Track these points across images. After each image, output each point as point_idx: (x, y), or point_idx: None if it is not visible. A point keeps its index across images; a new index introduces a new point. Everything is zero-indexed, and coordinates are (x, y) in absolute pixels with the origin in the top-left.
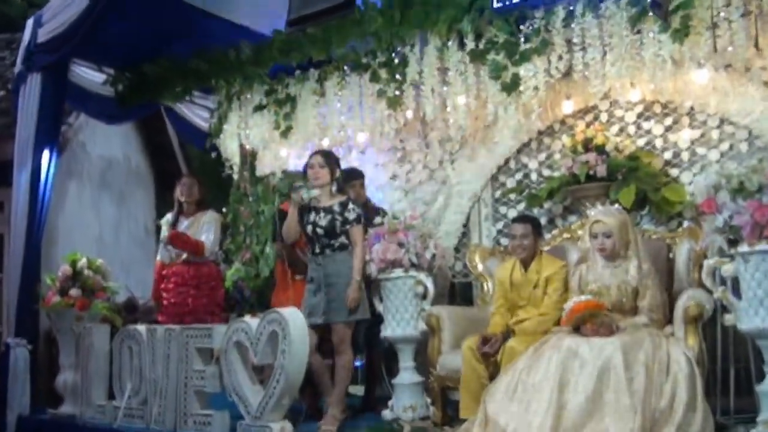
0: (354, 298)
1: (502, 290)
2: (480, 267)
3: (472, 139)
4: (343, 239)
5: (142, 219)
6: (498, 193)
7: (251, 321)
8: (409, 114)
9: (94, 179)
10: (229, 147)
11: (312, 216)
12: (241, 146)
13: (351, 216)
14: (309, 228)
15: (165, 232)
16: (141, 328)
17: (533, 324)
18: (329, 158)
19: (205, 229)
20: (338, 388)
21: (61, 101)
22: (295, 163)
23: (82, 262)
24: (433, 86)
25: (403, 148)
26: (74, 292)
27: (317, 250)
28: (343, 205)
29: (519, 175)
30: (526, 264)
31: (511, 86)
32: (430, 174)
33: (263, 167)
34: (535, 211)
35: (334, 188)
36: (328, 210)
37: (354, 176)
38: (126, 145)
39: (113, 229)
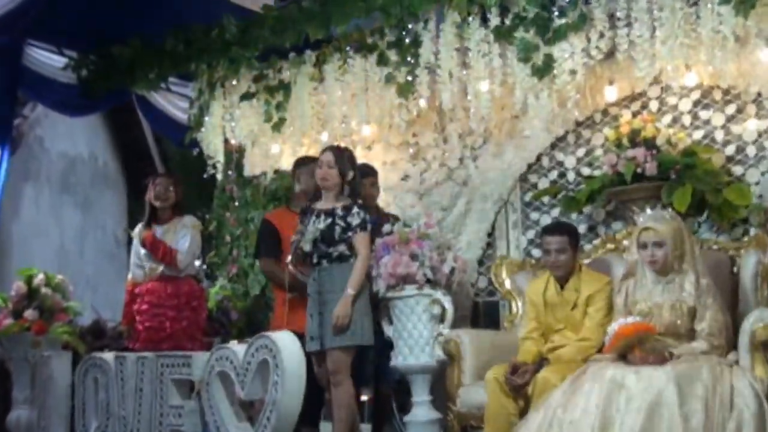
0: (340, 315)
1: (534, 311)
2: (508, 283)
3: (497, 132)
4: (343, 248)
5: (111, 227)
6: (528, 196)
7: (238, 348)
8: (423, 103)
9: (54, 181)
10: (213, 143)
11: (311, 220)
12: (227, 142)
13: (354, 221)
14: (300, 237)
15: (137, 244)
16: (109, 356)
17: (571, 351)
18: (341, 157)
19: (180, 236)
20: (337, 429)
21: (14, 90)
22: (290, 162)
23: (39, 278)
24: (451, 70)
25: (416, 143)
26: (30, 313)
27: (314, 261)
28: (347, 209)
29: (553, 175)
30: (562, 280)
31: (544, 69)
32: (448, 174)
33: (252, 166)
34: (573, 217)
35: (346, 192)
36: (329, 213)
37: (363, 173)
38: (92, 141)
39: (77, 240)
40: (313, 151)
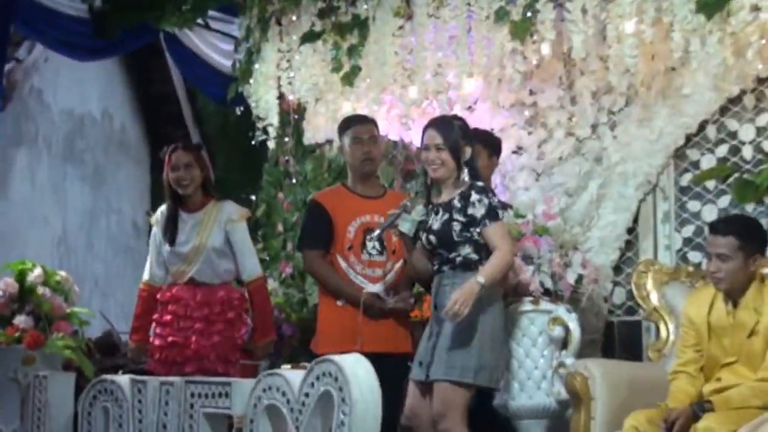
0: (459, 300)
1: (693, 337)
2: (654, 298)
3: (645, 90)
4: (467, 251)
5: (130, 211)
6: (686, 179)
7: (292, 375)
8: (546, 49)
9: (55, 147)
10: (264, 99)
11: (429, 219)
12: (282, 98)
13: (479, 211)
14: (423, 236)
15: (157, 233)
16: (123, 380)
17: (745, 393)
18: (451, 131)
19: (238, 244)
20: None
21: (5, 25)
22: None
23: (35, 274)
24: (585, 4)
25: (535, 103)
26: (21, 320)
27: (434, 268)
28: (465, 197)
29: (722, 150)
30: (734, 297)
31: (714, 4)
32: (576, 146)
33: (315, 132)
34: (750, 209)
35: (465, 176)
36: (446, 207)
37: (476, 139)
38: (106, 95)
39: (84, 226)
40: (396, 112)
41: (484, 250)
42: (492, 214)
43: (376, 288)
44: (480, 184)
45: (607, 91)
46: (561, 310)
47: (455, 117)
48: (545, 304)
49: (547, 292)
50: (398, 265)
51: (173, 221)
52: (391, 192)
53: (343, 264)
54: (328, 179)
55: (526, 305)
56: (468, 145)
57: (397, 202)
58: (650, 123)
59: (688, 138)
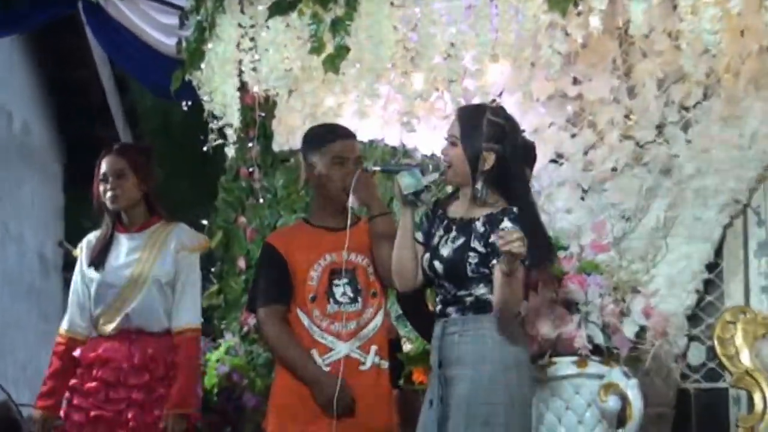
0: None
1: None
2: (746, 358)
3: (731, 78)
4: (482, 291)
5: (34, 240)
6: None
7: None
8: (595, 22)
9: None
10: (220, 90)
11: (436, 236)
12: (244, 89)
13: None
14: (425, 258)
15: (83, 266)
16: None
17: None
18: (475, 125)
19: (181, 280)
20: None
21: None
22: (353, 126)
23: None
24: None
25: (580, 96)
26: None
27: (436, 308)
28: (493, 222)
29: None
30: None
31: None
32: (636, 153)
33: (289, 134)
34: None
35: (481, 190)
36: (464, 227)
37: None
38: (2, 86)
39: None
40: (395, 108)
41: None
42: (540, 256)
43: (345, 350)
44: (516, 210)
45: (679, 79)
46: (616, 374)
47: (492, 108)
48: (595, 366)
49: (597, 350)
50: (379, 314)
51: (105, 243)
52: (363, 219)
53: (305, 320)
54: (305, 197)
55: (569, 368)
56: (494, 150)
57: (367, 229)
58: (738, 122)
59: None
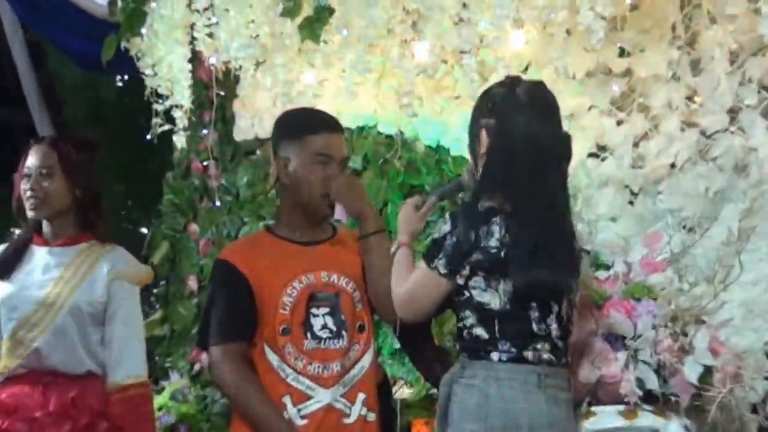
0: None
1: None
2: None
3: None
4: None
5: None
6: None
7: None
8: None
9: None
10: (166, 62)
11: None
12: (198, 61)
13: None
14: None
15: None
16: None
17: None
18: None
19: (117, 318)
20: None
21: None
22: (338, 111)
23: None
24: None
25: (629, 72)
26: None
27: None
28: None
29: None
30: None
31: None
32: (701, 145)
33: (256, 119)
34: None
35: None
36: None
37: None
38: None
39: None
40: (392, 86)
41: (496, 322)
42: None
43: (328, 398)
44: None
45: (758, 50)
46: (674, 428)
47: (510, 78)
48: (647, 418)
49: (649, 397)
50: (368, 354)
51: (15, 254)
52: (343, 230)
53: (274, 360)
54: (275, 200)
55: (615, 419)
56: (487, 128)
57: (351, 241)
58: None
59: None
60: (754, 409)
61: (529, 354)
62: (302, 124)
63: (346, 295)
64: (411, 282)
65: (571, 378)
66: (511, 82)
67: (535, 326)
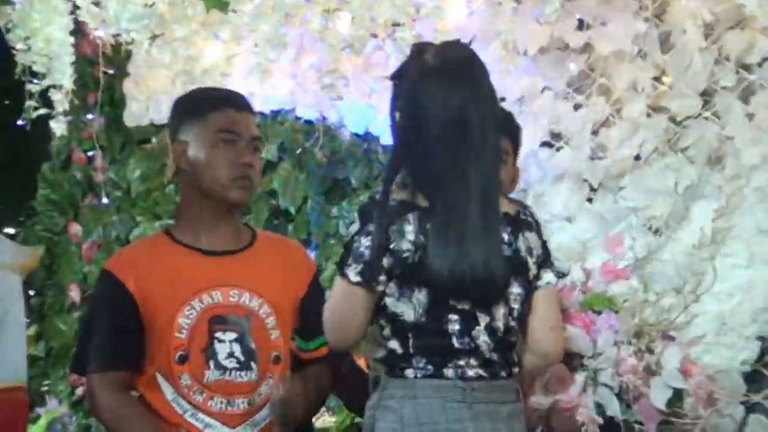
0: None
1: None
2: None
3: None
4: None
5: None
6: None
7: None
8: None
9: None
10: (42, 35)
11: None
12: (81, 33)
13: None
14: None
15: None
16: None
17: None
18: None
19: None
20: None
21: None
22: (251, 93)
23: None
24: None
25: (588, 47)
26: None
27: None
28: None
29: None
30: None
31: None
32: (669, 134)
33: (151, 102)
34: None
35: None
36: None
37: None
38: None
39: None
40: (311, 63)
41: (410, 336)
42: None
43: None
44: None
45: (736, 23)
46: None
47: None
48: None
49: (610, 425)
50: (281, 388)
51: None
52: (263, 235)
53: (167, 392)
54: (173, 197)
55: None
56: (399, 106)
57: (276, 252)
58: None
59: None
60: None
61: (449, 372)
62: (203, 100)
63: (257, 320)
64: (331, 299)
65: (519, 389)
66: (418, 48)
67: (456, 341)
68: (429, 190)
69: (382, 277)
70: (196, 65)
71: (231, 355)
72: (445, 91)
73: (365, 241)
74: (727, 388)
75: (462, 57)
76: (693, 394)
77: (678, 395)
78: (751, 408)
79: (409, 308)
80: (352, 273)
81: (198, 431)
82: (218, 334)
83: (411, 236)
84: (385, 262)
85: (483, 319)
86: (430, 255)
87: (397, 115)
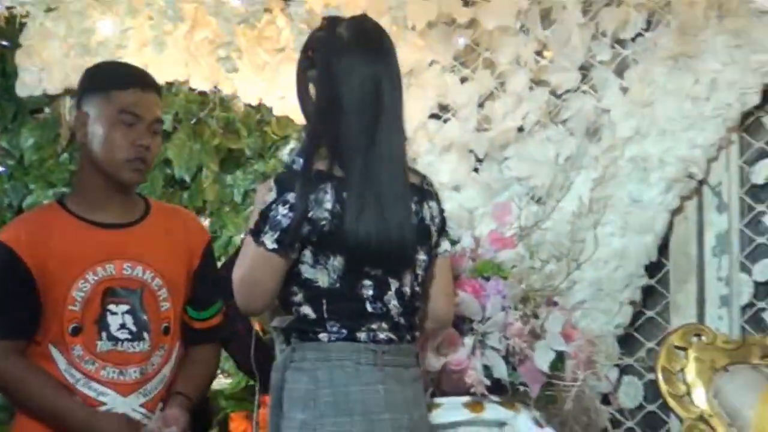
0: None
1: None
2: (701, 397)
3: (686, 2)
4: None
5: None
6: (763, 172)
7: None
8: None
9: None
10: None
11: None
12: None
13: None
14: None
15: None
16: None
17: None
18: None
19: None
20: None
21: None
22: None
23: None
24: None
25: (473, 23)
26: None
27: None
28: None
29: None
30: None
31: None
32: (550, 107)
33: (46, 73)
34: None
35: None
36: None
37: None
38: None
39: None
40: (205, 37)
41: (324, 302)
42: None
43: (123, 408)
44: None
45: (611, 1)
46: (523, 422)
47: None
48: (494, 410)
49: (497, 387)
50: (171, 360)
51: None
52: (158, 206)
53: (60, 361)
54: (68, 166)
55: (459, 412)
56: (311, 76)
57: (169, 224)
58: (693, 64)
59: None
60: (605, 399)
61: (362, 335)
62: (110, 76)
63: (149, 292)
64: (243, 266)
65: (419, 353)
66: (330, 22)
67: (369, 305)
68: (345, 160)
69: (298, 245)
70: (91, 38)
71: (123, 326)
72: (361, 64)
73: (283, 210)
74: (604, 351)
75: (374, 30)
76: (574, 357)
77: (560, 358)
78: (624, 370)
79: (324, 275)
80: (269, 240)
81: (91, 399)
82: (111, 306)
83: (328, 205)
84: (303, 230)
85: (393, 285)
86: (347, 223)
87: (311, 86)
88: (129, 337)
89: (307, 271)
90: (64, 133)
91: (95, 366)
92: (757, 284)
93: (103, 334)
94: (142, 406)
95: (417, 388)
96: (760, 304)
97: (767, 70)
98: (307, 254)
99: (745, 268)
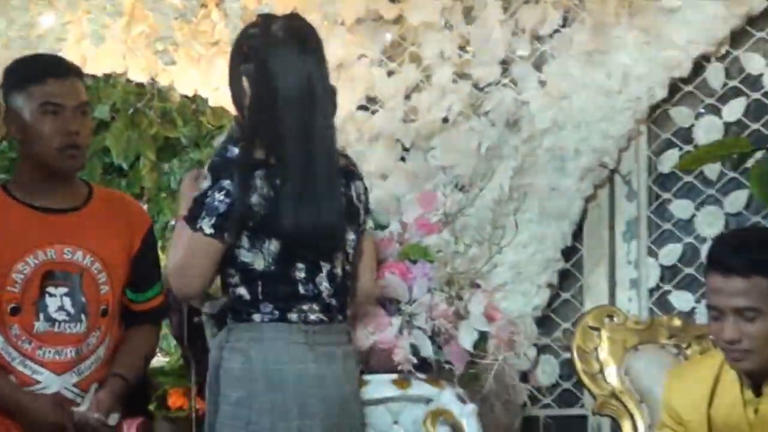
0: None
1: None
2: (612, 375)
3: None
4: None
5: None
6: (669, 161)
7: None
8: None
9: None
10: None
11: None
12: None
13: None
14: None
15: None
16: None
17: None
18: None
19: None
20: None
21: None
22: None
23: None
24: None
25: (399, 19)
26: None
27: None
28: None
29: (735, 108)
30: (758, 378)
31: None
32: (473, 98)
33: None
34: None
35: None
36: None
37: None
38: None
39: None
40: (142, 32)
41: (259, 283)
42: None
43: (56, 386)
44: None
45: None
46: (448, 398)
47: (261, 20)
48: (420, 387)
49: (423, 366)
50: (107, 341)
51: None
52: (100, 192)
53: None
54: (8, 155)
55: (386, 388)
56: (246, 74)
57: (111, 209)
58: (607, 57)
59: (675, 87)
60: (524, 377)
61: (293, 316)
62: (25, 72)
63: (89, 276)
64: (179, 251)
65: (351, 331)
66: (265, 20)
67: (301, 287)
68: (280, 150)
69: (235, 230)
70: (32, 31)
71: (61, 308)
72: (294, 60)
73: (219, 196)
74: (523, 331)
75: (305, 28)
76: (495, 337)
77: (483, 338)
78: (541, 349)
79: (259, 258)
80: (206, 225)
81: (27, 377)
82: (50, 289)
83: (263, 191)
84: (240, 215)
85: (325, 267)
86: (283, 209)
87: (244, 79)
88: (66, 318)
89: (243, 254)
90: (1, 125)
91: (32, 345)
92: (663, 268)
93: (41, 315)
94: (75, 385)
95: (349, 364)
96: (666, 287)
97: (674, 65)
98: (244, 239)
99: (652, 253)
